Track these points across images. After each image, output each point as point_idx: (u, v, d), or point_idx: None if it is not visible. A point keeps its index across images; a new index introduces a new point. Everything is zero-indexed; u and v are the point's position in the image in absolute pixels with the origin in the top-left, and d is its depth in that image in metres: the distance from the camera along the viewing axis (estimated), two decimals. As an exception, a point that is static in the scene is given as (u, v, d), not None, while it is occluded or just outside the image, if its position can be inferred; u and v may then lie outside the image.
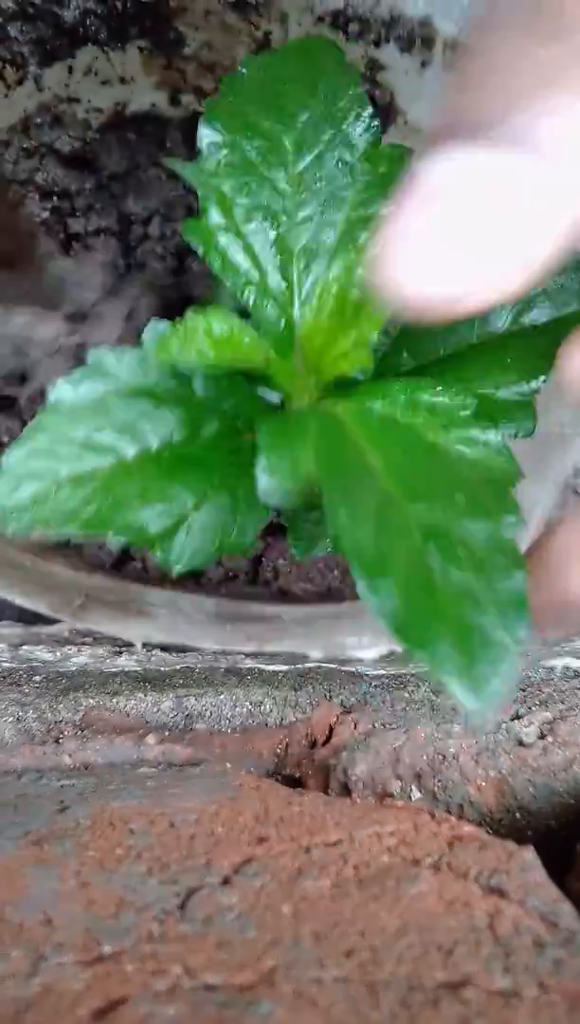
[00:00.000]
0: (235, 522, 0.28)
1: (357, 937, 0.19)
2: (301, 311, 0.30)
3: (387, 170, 0.30)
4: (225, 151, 0.30)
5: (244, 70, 0.30)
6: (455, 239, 0.19)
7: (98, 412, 0.28)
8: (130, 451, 0.28)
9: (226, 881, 0.21)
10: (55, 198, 0.45)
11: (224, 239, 0.30)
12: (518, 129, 0.18)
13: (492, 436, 0.25)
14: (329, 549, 0.34)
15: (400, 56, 0.35)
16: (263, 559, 0.48)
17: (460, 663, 0.20)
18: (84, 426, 0.28)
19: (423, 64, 0.35)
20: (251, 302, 0.30)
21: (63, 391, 0.28)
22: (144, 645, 0.42)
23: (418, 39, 0.35)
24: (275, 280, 0.30)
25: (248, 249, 0.30)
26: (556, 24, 0.18)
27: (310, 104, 0.30)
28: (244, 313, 0.29)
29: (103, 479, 0.28)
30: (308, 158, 0.30)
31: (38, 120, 0.43)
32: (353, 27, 0.35)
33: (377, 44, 0.35)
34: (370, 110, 0.30)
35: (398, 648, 0.41)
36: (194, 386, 0.29)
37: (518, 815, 0.28)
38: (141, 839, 0.23)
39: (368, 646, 0.40)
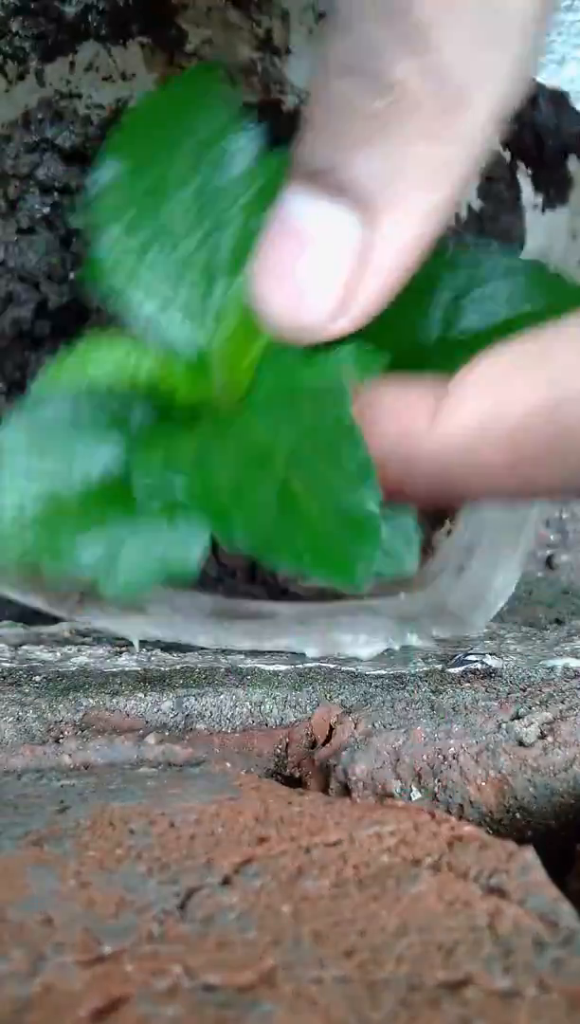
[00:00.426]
0: (180, 541, 0.28)
1: (357, 937, 0.19)
2: (212, 332, 0.30)
3: (266, 182, 0.30)
4: (116, 190, 0.30)
5: (137, 108, 0.31)
6: (302, 281, 0.22)
7: (36, 448, 0.29)
8: (69, 483, 0.29)
9: (226, 881, 0.21)
10: (56, 194, 0.45)
11: (121, 278, 0.30)
12: (352, 179, 0.21)
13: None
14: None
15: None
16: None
17: (329, 556, 0.22)
18: (23, 461, 0.28)
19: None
20: (160, 333, 0.30)
21: (3, 429, 0.28)
22: (142, 643, 0.42)
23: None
24: (181, 306, 0.30)
25: (148, 283, 0.30)
26: (380, 81, 0.20)
27: (194, 131, 0.30)
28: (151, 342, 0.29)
29: (42, 512, 0.28)
30: (194, 183, 0.30)
31: (39, 115, 0.43)
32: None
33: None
34: (248, 130, 0.30)
35: (395, 646, 0.41)
36: (132, 415, 0.30)
37: (518, 815, 0.28)
38: (141, 839, 0.23)
39: (364, 644, 0.40)
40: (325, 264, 0.22)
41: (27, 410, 0.29)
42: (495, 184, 0.42)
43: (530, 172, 0.42)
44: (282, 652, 0.40)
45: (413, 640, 0.41)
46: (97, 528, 0.28)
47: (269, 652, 0.41)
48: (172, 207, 0.30)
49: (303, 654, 0.40)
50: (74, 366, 0.28)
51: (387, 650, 0.41)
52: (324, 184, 0.22)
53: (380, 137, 0.21)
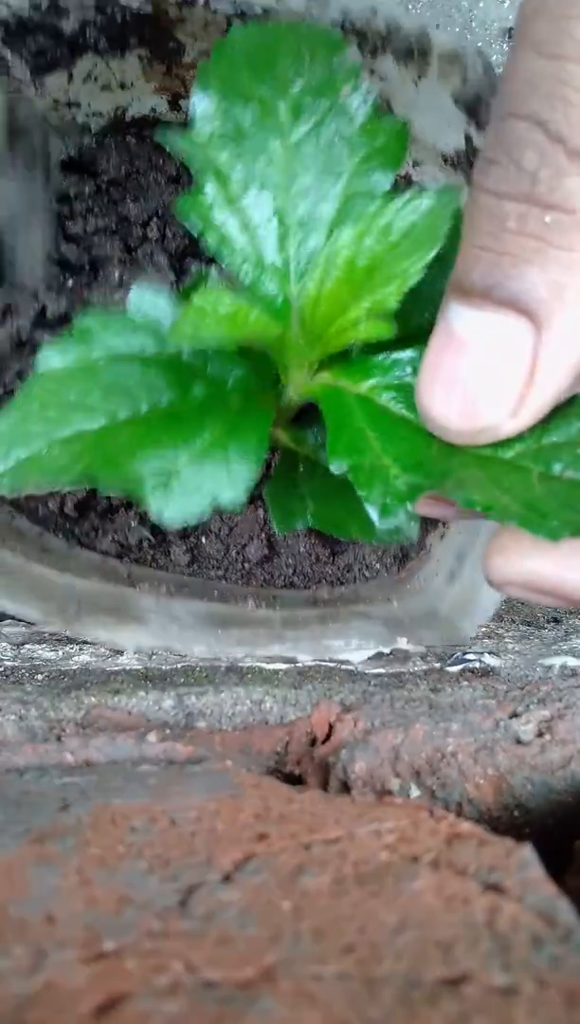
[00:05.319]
0: (228, 478, 0.29)
1: (356, 934, 0.19)
2: (300, 283, 0.30)
3: (385, 143, 0.30)
4: (218, 121, 0.29)
5: (235, 37, 0.30)
6: (473, 388, 0.24)
7: (87, 376, 0.28)
8: (121, 412, 0.28)
9: (227, 878, 0.21)
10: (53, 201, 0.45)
11: (220, 215, 0.29)
12: (516, 294, 0.22)
13: None
14: (309, 523, 0.36)
15: (396, 67, 0.35)
16: (259, 566, 0.49)
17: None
18: (74, 390, 0.28)
19: (419, 76, 0.36)
20: (249, 278, 0.30)
21: (50, 357, 0.28)
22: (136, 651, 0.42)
23: (414, 51, 0.35)
24: (272, 253, 0.30)
25: (244, 224, 0.30)
26: (541, 203, 0.22)
27: (304, 73, 0.30)
28: (241, 288, 0.29)
29: (94, 438, 0.28)
30: (304, 127, 0.30)
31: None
32: (350, 39, 0.35)
33: (374, 55, 0.35)
34: (367, 83, 0.30)
35: (386, 651, 0.41)
36: (181, 350, 0.30)
37: (516, 813, 0.28)
38: (142, 836, 0.23)
39: (355, 649, 0.41)
40: (497, 373, 0.23)
41: (73, 341, 0.28)
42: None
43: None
44: (272, 656, 0.41)
45: (403, 644, 0.41)
46: (152, 455, 0.28)
47: (260, 657, 0.41)
48: (271, 151, 0.29)
49: (294, 658, 0.40)
50: (190, 326, 0.26)
51: (378, 653, 0.41)
52: (488, 299, 0.23)
53: (541, 256, 0.22)
